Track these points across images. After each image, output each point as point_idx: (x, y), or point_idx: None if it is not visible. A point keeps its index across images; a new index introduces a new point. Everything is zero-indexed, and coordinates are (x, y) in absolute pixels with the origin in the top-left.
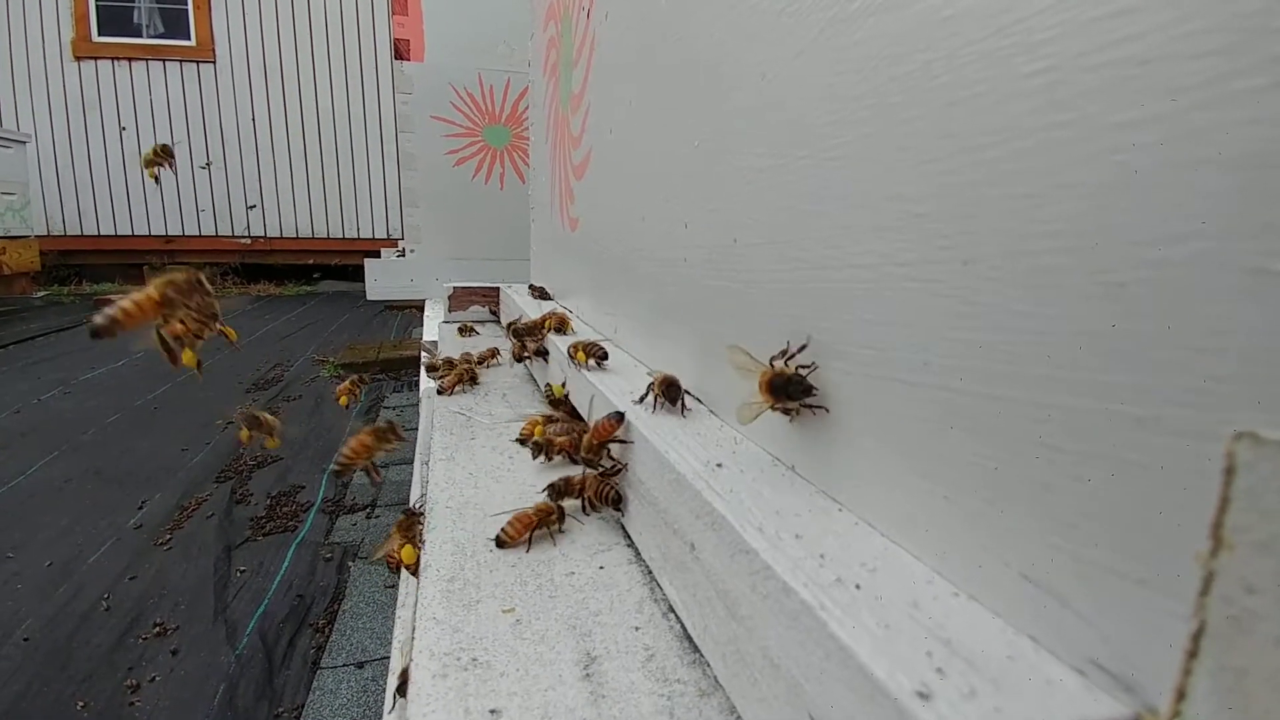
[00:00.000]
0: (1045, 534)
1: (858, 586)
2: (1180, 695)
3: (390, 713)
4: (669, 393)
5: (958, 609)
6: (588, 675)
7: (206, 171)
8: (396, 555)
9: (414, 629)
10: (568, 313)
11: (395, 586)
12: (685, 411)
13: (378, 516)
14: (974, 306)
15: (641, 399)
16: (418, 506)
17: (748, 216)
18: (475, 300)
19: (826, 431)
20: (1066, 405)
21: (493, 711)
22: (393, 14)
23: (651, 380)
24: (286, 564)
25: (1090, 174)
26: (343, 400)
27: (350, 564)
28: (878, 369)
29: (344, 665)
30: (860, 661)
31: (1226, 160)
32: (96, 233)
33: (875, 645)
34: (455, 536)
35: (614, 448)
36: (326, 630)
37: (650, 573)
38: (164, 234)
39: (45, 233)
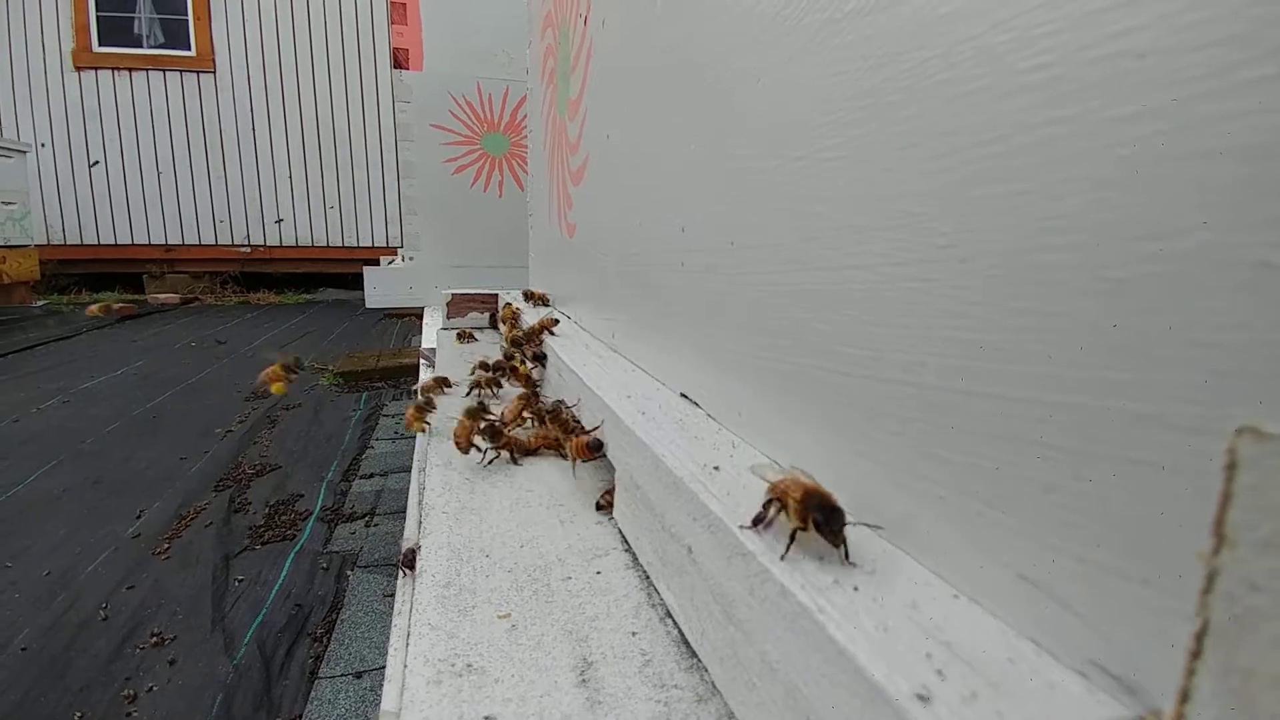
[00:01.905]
0: (1046, 535)
1: (856, 588)
2: (1184, 697)
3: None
4: (830, 523)
5: (958, 611)
6: (584, 681)
7: (207, 181)
8: None
9: (409, 635)
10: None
11: (394, 595)
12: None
13: (377, 525)
14: (973, 305)
15: (760, 522)
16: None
17: (745, 219)
18: (474, 307)
19: (826, 434)
20: (1067, 403)
21: (487, 718)
22: (392, 24)
23: (774, 495)
24: (285, 573)
25: (1090, 169)
26: (275, 388)
27: (349, 573)
28: (876, 370)
29: (342, 675)
30: (859, 664)
31: (1228, 153)
32: (96, 242)
33: (874, 647)
34: (451, 542)
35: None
36: (325, 640)
37: (648, 578)
38: (164, 243)
39: (45, 242)
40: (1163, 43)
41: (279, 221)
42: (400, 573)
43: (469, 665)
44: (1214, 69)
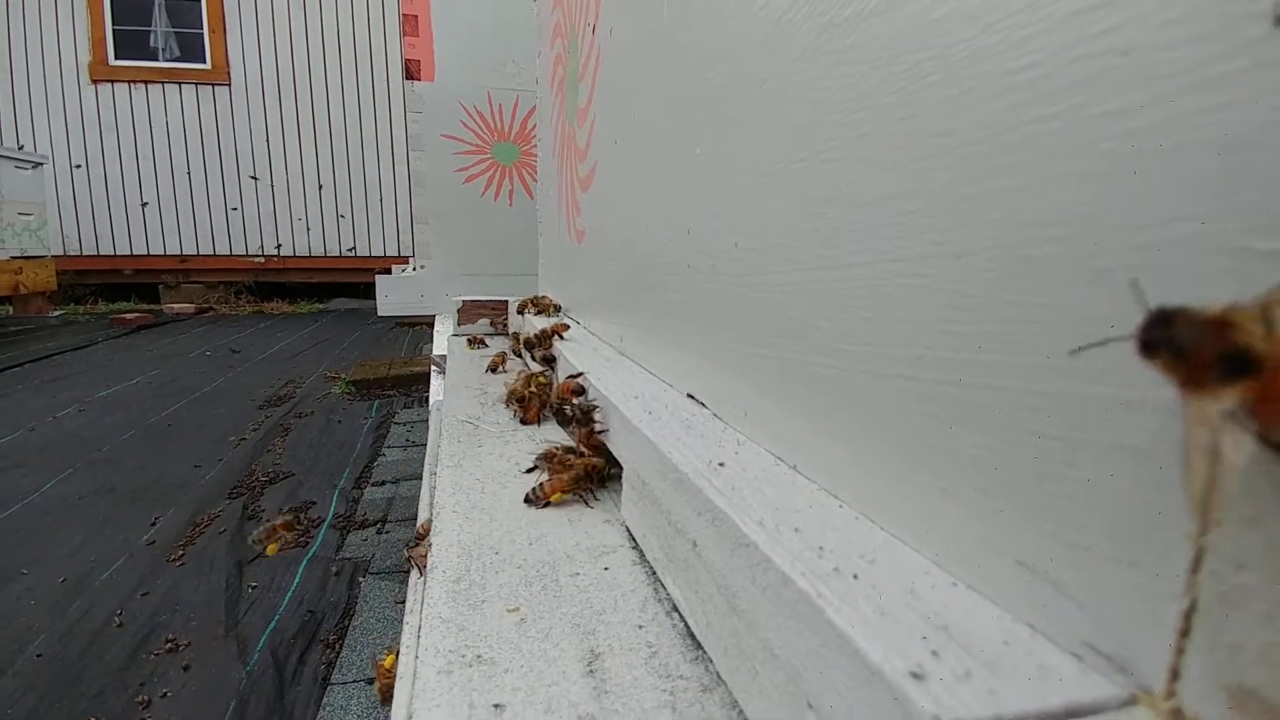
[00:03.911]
0: (1040, 521)
1: (855, 576)
2: (1174, 675)
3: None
4: None
5: (955, 597)
6: (591, 671)
7: (221, 192)
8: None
9: (420, 628)
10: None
11: (405, 601)
12: None
13: (388, 532)
14: (968, 299)
15: None
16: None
17: (748, 220)
18: (484, 313)
19: (828, 430)
20: (1059, 392)
21: (496, 706)
22: (404, 35)
23: None
24: (298, 580)
25: (1076, 165)
26: (271, 549)
27: (361, 579)
28: (876, 365)
29: (354, 681)
30: (856, 645)
31: (1207, 144)
32: (113, 252)
33: (870, 630)
34: (461, 539)
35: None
36: (337, 646)
37: (654, 573)
38: (179, 253)
39: (62, 252)
40: (1141, 40)
41: (278, 247)
42: (412, 568)
43: (479, 656)
44: (1189, 64)
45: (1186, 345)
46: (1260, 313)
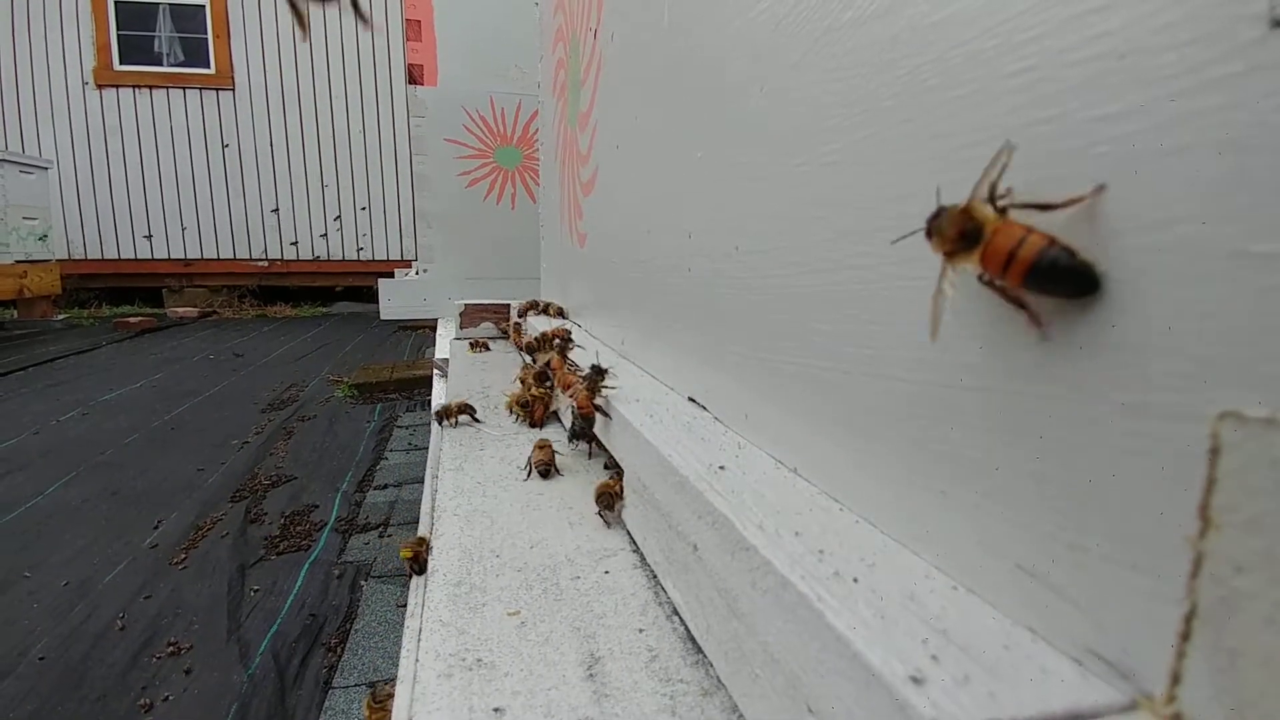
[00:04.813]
0: (1040, 525)
1: (855, 580)
2: (1175, 679)
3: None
4: None
5: (956, 601)
6: (591, 675)
7: (225, 196)
8: None
9: (420, 631)
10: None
11: (407, 606)
12: None
13: (390, 536)
14: (968, 302)
15: None
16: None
17: (748, 224)
18: (486, 317)
19: (828, 433)
20: (1059, 395)
21: (496, 710)
22: (406, 40)
23: None
24: (300, 583)
25: (1072, 168)
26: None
27: (363, 583)
28: (876, 368)
29: (356, 685)
30: (855, 649)
31: (1204, 146)
32: (117, 256)
33: (870, 634)
34: (462, 542)
35: None
36: (339, 650)
37: (655, 577)
38: (183, 257)
39: (66, 257)
40: (1139, 44)
41: (275, 209)
42: (411, 574)
43: (479, 660)
44: (1186, 67)
45: (944, 228)
46: (981, 202)
